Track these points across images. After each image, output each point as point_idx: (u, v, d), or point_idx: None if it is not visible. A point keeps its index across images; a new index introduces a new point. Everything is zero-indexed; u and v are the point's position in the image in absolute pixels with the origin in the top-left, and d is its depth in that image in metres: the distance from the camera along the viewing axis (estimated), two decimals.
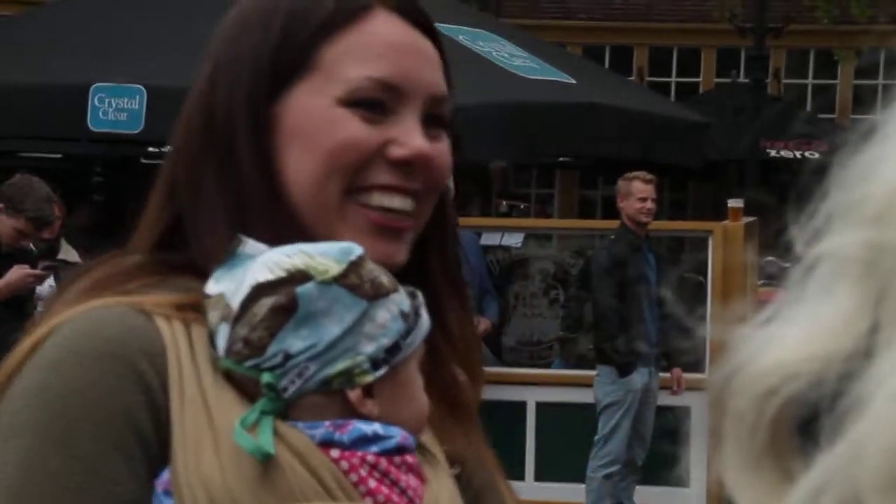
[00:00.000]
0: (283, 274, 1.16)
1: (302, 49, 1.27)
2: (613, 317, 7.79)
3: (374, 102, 1.27)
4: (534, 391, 8.29)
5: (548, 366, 8.95)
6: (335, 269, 1.16)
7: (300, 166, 1.26)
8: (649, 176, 8.04)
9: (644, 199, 7.95)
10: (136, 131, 8.68)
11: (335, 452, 1.14)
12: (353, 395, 1.17)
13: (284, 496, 1.12)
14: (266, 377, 1.15)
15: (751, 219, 8.23)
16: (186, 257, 1.28)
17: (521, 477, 8.15)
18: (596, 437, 7.92)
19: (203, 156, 1.29)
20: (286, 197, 1.26)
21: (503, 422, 8.20)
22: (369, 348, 1.17)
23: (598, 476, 7.88)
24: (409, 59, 1.29)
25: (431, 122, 1.29)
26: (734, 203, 8.44)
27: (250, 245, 1.21)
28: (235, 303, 1.17)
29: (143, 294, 1.22)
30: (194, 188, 1.29)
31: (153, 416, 1.16)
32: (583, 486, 7.92)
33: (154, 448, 1.16)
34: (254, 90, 1.28)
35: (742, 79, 18.32)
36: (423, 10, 1.33)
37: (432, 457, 1.24)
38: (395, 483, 1.15)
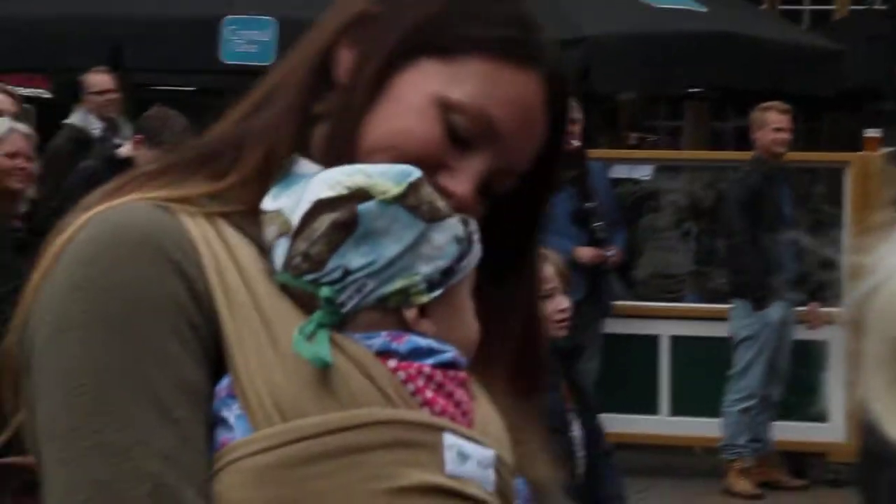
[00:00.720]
0: (344, 191, 1.18)
1: (460, 43, 1.27)
2: (748, 249, 7.65)
3: (466, 130, 1.25)
4: (667, 325, 8.20)
5: (680, 300, 8.83)
6: (395, 189, 1.18)
7: (379, 124, 1.26)
8: (785, 106, 7.86)
9: (779, 130, 7.77)
10: (266, 63, 8.69)
11: (392, 363, 1.16)
12: (410, 313, 1.19)
13: (347, 403, 1.13)
14: (325, 291, 1.17)
15: (889, 149, 8.00)
16: (211, 149, 1.29)
17: (654, 411, 8.10)
18: (731, 372, 7.82)
19: (308, 84, 1.29)
20: (357, 133, 1.26)
21: (636, 356, 8.15)
22: (426, 269, 1.19)
23: (733, 411, 7.79)
24: (524, 127, 1.28)
25: (490, 186, 1.28)
26: (871, 133, 8.22)
27: (305, 164, 1.23)
28: (296, 218, 1.19)
29: (162, 191, 1.23)
30: (275, 108, 1.29)
31: (197, 304, 1.17)
32: (718, 420, 7.84)
33: (203, 333, 1.17)
34: (398, 47, 1.27)
35: (878, 5, 17.78)
36: (571, 98, 1.33)
37: (474, 382, 1.24)
38: (450, 395, 1.17)
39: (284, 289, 1.19)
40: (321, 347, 1.14)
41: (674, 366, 8.17)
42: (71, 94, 8.37)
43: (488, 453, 1.18)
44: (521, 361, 1.34)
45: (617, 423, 8.04)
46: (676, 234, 9.10)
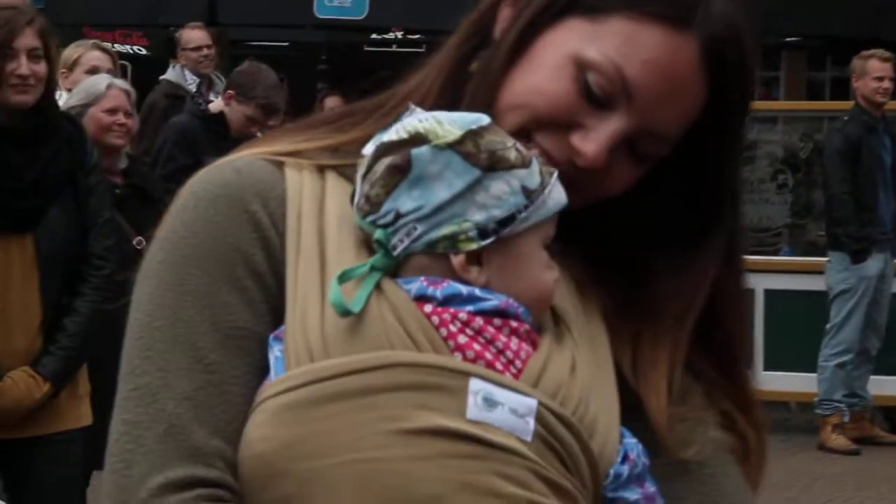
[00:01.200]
0: (405, 136, 1.19)
1: (608, 1, 1.25)
2: (847, 201, 7.54)
3: (601, 88, 1.24)
4: (762, 278, 8.09)
5: (776, 253, 8.73)
6: (453, 134, 1.18)
7: (515, 83, 1.26)
8: (887, 54, 7.71)
9: (881, 79, 7.63)
10: (360, 17, 8.72)
11: (428, 307, 1.16)
12: (456, 260, 1.19)
13: (373, 346, 1.15)
14: (378, 233, 1.19)
15: None
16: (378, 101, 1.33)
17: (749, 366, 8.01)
18: (828, 326, 7.73)
19: (464, 41, 1.32)
20: (496, 94, 1.27)
21: None
22: (478, 216, 1.18)
23: (830, 365, 7.70)
24: (665, 87, 1.24)
25: (638, 147, 1.26)
26: None
27: (418, 111, 1.23)
28: (365, 161, 1.21)
29: (280, 144, 1.28)
30: (442, 61, 1.32)
31: (267, 252, 1.22)
32: (814, 375, 7.76)
33: (269, 282, 1.22)
34: (548, 4, 1.28)
35: None
36: (735, 60, 1.25)
37: (564, 330, 1.23)
38: (490, 341, 1.16)
39: (362, 230, 1.22)
40: (361, 293, 1.16)
41: (769, 320, 8.08)
42: (167, 51, 8.45)
43: (528, 401, 1.15)
44: (711, 337, 1.30)
45: None
46: (772, 186, 8.98)
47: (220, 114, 6.37)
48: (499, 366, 1.16)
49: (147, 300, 1.22)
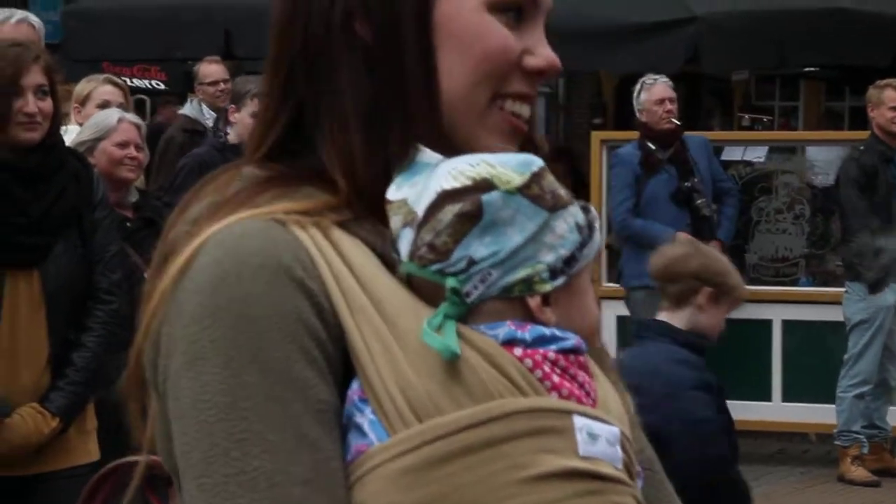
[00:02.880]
0: (468, 182, 1.18)
1: None
2: (863, 231, 7.49)
3: (516, 8, 1.27)
4: (780, 309, 8.06)
5: (793, 283, 8.69)
6: (518, 179, 1.19)
7: (451, 68, 1.26)
8: None
9: None
10: None
11: (518, 351, 1.17)
12: (533, 302, 1.19)
13: (477, 394, 1.14)
14: (451, 281, 1.18)
15: None
16: (310, 165, 1.27)
17: (767, 397, 7.97)
18: (846, 356, 7.67)
19: (344, 46, 1.26)
20: (438, 97, 1.26)
21: (749, 340, 8.02)
22: (549, 257, 1.20)
23: (848, 396, 7.64)
24: None
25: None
26: None
27: (428, 153, 1.22)
28: (420, 208, 1.19)
29: (273, 205, 1.22)
30: (326, 82, 1.26)
31: (322, 319, 1.18)
32: (833, 406, 7.70)
33: (331, 350, 1.18)
34: None
35: None
36: None
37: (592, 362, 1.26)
38: (573, 378, 1.19)
39: (406, 281, 1.20)
40: (449, 339, 1.15)
41: (787, 351, 8.04)
42: (184, 85, 8.48)
43: (615, 430, 1.19)
44: None
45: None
46: (790, 216, 8.94)
47: (239, 144, 6.41)
48: (584, 400, 1.19)
49: (218, 380, 1.15)
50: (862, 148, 7.73)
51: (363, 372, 1.16)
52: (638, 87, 8.00)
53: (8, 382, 4.00)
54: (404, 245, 1.20)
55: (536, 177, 1.19)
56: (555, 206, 1.20)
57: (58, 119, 4.19)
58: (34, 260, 4.07)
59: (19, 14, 5.47)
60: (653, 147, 7.86)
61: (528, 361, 1.17)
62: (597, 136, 8.69)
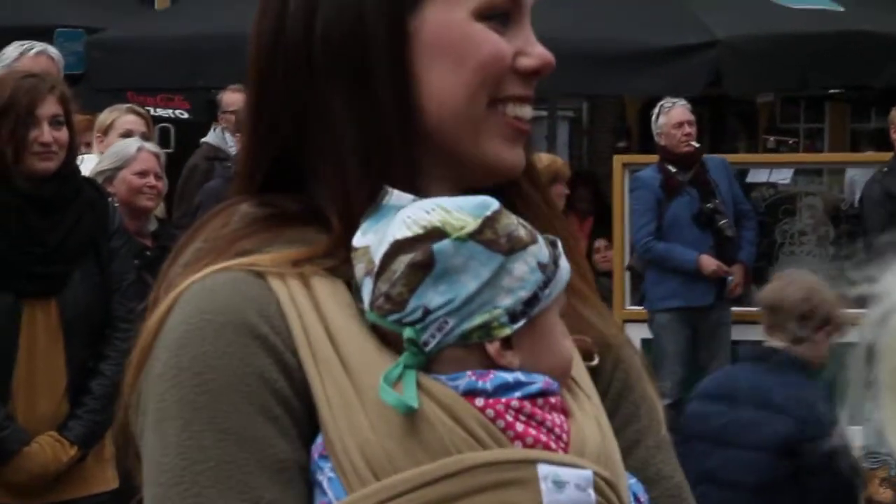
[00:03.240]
0: (420, 231, 1.17)
1: None
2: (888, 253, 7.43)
3: (502, 13, 1.27)
4: None
5: None
6: (471, 225, 1.17)
7: (443, 83, 1.25)
8: None
9: None
10: None
11: (479, 401, 1.15)
12: (492, 347, 1.18)
13: (435, 450, 1.13)
14: (408, 332, 1.16)
15: None
16: (300, 203, 1.26)
17: None
18: (871, 377, 7.60)
19: (327, 77, 1.24)
20: (420, 117, 1.25)
21: None
22: (507, 301, 1.18)
23: (875, 418, 7.57)
24: None
25: None
26: None
27: (396, 195, 1.21)
28: (376, 258, 1.18)
29: (260, 252, 1.21)
30: (317, 117, 1.25)
31: (286, 376, 1.17)
32: (858, 427, 7.61)
33: (295, 405, 1.17)
34: (395, 6, 1.25)
35: None
36: None
37: (575, 388, 1.24)
38: (541, 423, 1.16)
39: (375, 328, 1.19)
40: (408, 392, 1.14)
41: None
42: (208, 114, 8.52)
43: (585, 474, 1.16)
44: None
45: None
46: (814, 238, 8.89)
47: None
48: (553, 445, 1.16)
49: (176, 442, 1.15)
50: (885, 169, 7.68)
51: (324, 428, 1.15)
52: (656, 110, 8.00)
53: (26, 411, 4.03)
54: (366, 294, 1.19)
55: (490, 221, 1.18)
56: (511, 249, 1.18)
57: (73, 148, 4.23)
58: (51, 289, 4.09)
59: (38, 46, 5.53)
60: (673, 170, 7.84)
61: (490, 412, 1.15)
62: (618, 160, 8.67)
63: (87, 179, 4.45)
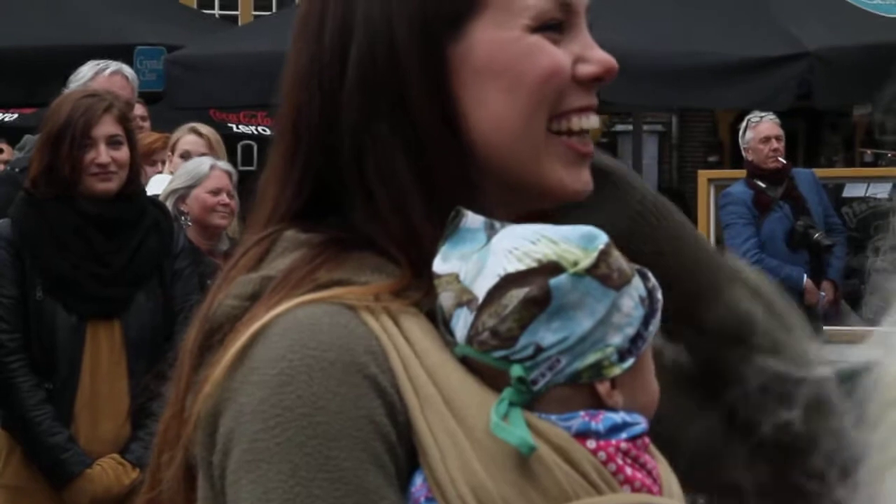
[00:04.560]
0: (533, 264, 1.12)
1: None
2: None
3: (557, 23, 1.22)
4: None
5: None
6: (586, 259, 1.12)
7: (500, 104, 1.20)
8: None
9: None
10: None
11: (592, 443, 1.12)
12: (602, 388, 1.14)
13: (553, 495, 1.09)
14: (517, 370, 1.11)
15: None
16: (346, 232, 1.20)
17: None
18: None
19: (366, 108, 1.19)
20: (474, 145, 1.20)
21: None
22: (616, 339, 1.13)
23: None
24: None
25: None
26: None
27: (470, 218, 1.16)
28: (480, 290, 1.12)
29: (338, 286, 1.15)
30: (358, 148, 1.20)
31: (393, 419, 1.11)
32: None
33: (399, 451, 1.11)
34: (428, 27, 1.20)
35: None
36: None
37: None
38: (643, 466, 1.14)
39: (465, 361, 1.14)
40: (519, 431, 1.09)
41: None
42: None
43: None
44: None
45: None
46: None
47: None
48: (655, 488, 1.14)
49: (283, 488, 1.08)
50: None
51: (431, 471, 1.10)
52: (744, 125, 7.89)
53: (89, 433, 4.04)
54: (460, 326, 1.13)
55: (604, 255, 1.13)
56: (622, 283, 1.13)
57: (136, 168, 4.22)
58: (115, 310, 4.10)
59: (114, 66, 5.54)
60: (762, 185, 7.70)
61: (602, 454, 1.11)
62: (703, 175, 8.54)
63: (152, 200, 4.46)
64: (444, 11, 1.20)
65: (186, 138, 6.03)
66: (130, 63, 6.46)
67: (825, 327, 7.70)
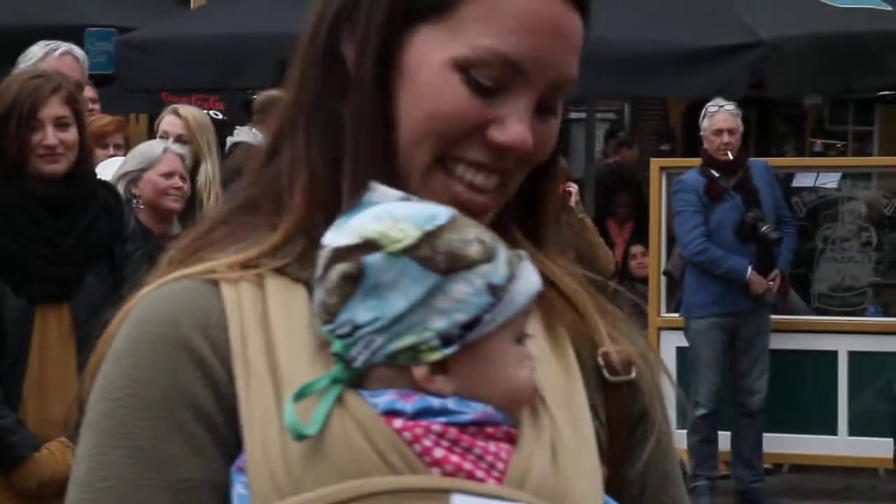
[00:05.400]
0: (357, 240, 1.12)
1: None
2: None
3: (490, 81, 1.18)
4: (846, 340, 7.85)
5: (861, 313, 8.47)
6: (407, 239, 1.11)
7: (408, 112, 1.19)
8: None
9: None
10: None
11: (398, 423, 1.10)
12: (419, 372, 1.12)
13: (344, 472, 1.08)
14: (336, 345, 1.12)
15: None
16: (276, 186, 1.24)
17: (833, 431, 7.76)
18: None
19: (321, 85, 1.23)
20: (396, 132, 1.20)
21: (813, 372, 7.83)
22: (440, 323, 1.11)
23: None
24: (545, 40, 1.18)
25: (547, 103, 1.21)
26: None
27: (381, 192, 1.15)
28: (318, 264, 1.14)
29: (221, 256, 1.20)
30: (303, 119, 1.23)
31: (213, 389, 1.15)
32: None
33: (218, 419, 1.15)
34: (389, 22, 1.20)
35: None
36: None
37: (541, 416, 1.17)
38: (468, 449, 1.10)
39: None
40: (321, 409, 1.10)
41: (853, 384, 7.82)
42: (244, 115, 8.48)
43: None
44: None
45: (793, 444, 7.75)
46: (857, 244, 8.71)
47: None
48: (480, 474, 1.10)
49: (89, 455, 1.16)
50: None
51: (245, 440, 1.12)
52: (703, 112, 7.90)
53: (38, 417, 3.98)
54: (315, 301, 1.16)
55: (430, 236, 1.11)
56: (451, 268, 1.11)
57: (85, 150, 4.16)
58: (64, 293, 4.04)
59: (64, 46, 5.49)
60: (716, 174, 7.72)
61: (408, 434, 1.09)
62: (656, 163, 8.56)
63: (102, 182, 4.41)
64: (407, 4, 1.19)
65: (166, 119, 6.01)
66: (81, 44, 6.39)
67: (772, 317, 7.77)
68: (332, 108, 1.22)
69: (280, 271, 1.18)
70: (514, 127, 1.18)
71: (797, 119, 14.47)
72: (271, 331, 1.15)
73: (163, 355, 1.15)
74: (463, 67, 1.17)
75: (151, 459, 1.14)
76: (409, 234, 1.11)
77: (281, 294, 1.17)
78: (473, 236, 1.13)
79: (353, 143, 1.20)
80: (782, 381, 7.54)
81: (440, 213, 1.13)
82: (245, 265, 1.18)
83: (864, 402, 7.78)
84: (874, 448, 7.67)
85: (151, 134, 5.97)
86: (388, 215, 1.13)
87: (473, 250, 1.12)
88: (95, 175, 4.35)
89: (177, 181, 5.24)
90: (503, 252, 1.14)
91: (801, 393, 7.71)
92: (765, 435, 7.62)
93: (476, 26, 1.17)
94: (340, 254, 1.12)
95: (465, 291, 1.11)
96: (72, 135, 4.05)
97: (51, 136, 4.01)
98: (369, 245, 1.11)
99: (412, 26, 1.19)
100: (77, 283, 4.06)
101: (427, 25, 1.19)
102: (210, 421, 1.14)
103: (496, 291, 1.12)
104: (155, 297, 1.18)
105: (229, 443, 1.14)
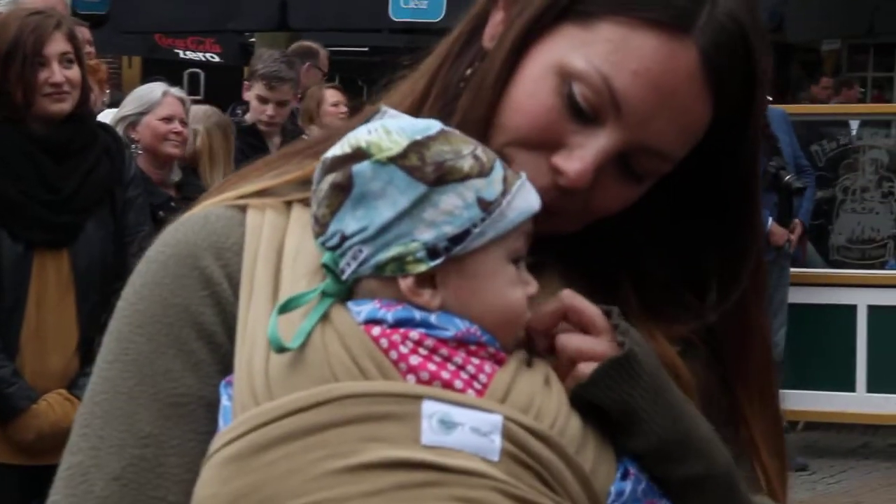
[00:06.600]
0: (347, 150, 1.12)
1: (599, 4, 1.18)
2: None
3: (587, 100, 1.17)
4: (865, 293, 7.76)
5: (881, 266, 8.34)
6: (394, 148, 1.11)
7: (508, 94, 1.20)
8: None
9: None
10: (437, 20, 8.49)
11: (376, 330, 1.10)
12: (404, 283, 1.11)
13: (317, 378, 1.09)
14: (326, 257, 1.13)
15: None
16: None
17: (851, 388, 7.68)
18: None
19: (453, 51, 1.26)
20: (494, 114, 1.20)
21: (831, 327, 7.73)
22: (427, 235, 1.11)
23: None
24: (657, 98, 1.16)
25: (632, 165, 1.19)
26: None
27: (391, 113, 1.16)
28: (315, 177, 1.15)
29: (254, 184, 1.23)
30: (425, 80, 1.26)
31: (219, 309, 1.17)
32: None
33: (221, 338, 1.17)
34: (542, 11, 1.20)
35: None
36: (736, 67, 1.18)
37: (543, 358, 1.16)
38: (447, 359, 1.10)
39: None
40: (307, 322, 1.11)
41: (873, 338, 7.72)
42: (240, 58, 8.32)
43: (491, 418, 1.08)
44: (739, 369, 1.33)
45: (809, 401, 7.64)
46: (878, 194, 8.56)
47: (254, 125, 6.22)
48: (459, 384, 1.09)
49: (96, 372, 1.20)
50: None
51: (236, 356, 1.14)
52: None
53: (36, 368, 3.91)
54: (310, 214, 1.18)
55: (417, 145, 1.11)
56: (440, 179, 1.11)
57: (86, 89, 4.05)
58: (63, 239, 3.95)
59: None
60: None
61: (384, 342, 1.09)
62: None
63: (102, 125, 4.30)
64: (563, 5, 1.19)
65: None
66: None
67: (792, 270, 7.64)
68: (455, 73, 1.24)
69: (305, 201, 1.19)
70: (579, 158, 1.17)
71: (814, 65, 14.30)
72: (282, 254, 1.17)
73: (170, 273, 1.18)
74: (566, 77, 1.17)
75: (145, 373, 1.16)
76: (398, 144, 1.11)
77: (302, 222, 1.19)
78: (468, 150, 1.12)
79: (460, 107, 1.21)
80: (799, 337, 7.43)
81: (433, 125, 1.13)
82: (260, 193, 1.22)
83: (883, 358, 7.67)
84: (893, 404, 7.57)
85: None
86: (382, 127, 1.13)
87: (466, 163, 1.12)
88: (95, 116, 4.23)
89: (176, 126, 5.09)
90: (500, 169, 1.13)
91: (819, 348, 7.60)
92: (781, 392, 7.50)
93: (603, 48, 1.16)
94: (332, 164, 1.13)
95: (455, 204, 1.11)
96: (75, 72, 3.95)
97: (58, 73, 3.89)
98: (359, 154, 1.11)
99: (558, 23, 1.19)
100: (77, 230, 3.96)
101: (570, 26, 1.18)
102: (213, 340, 1.17)
103: (487, 206, 1.11)
104: (182, 221, 1.22)
105: (232, 362, 1.15)
